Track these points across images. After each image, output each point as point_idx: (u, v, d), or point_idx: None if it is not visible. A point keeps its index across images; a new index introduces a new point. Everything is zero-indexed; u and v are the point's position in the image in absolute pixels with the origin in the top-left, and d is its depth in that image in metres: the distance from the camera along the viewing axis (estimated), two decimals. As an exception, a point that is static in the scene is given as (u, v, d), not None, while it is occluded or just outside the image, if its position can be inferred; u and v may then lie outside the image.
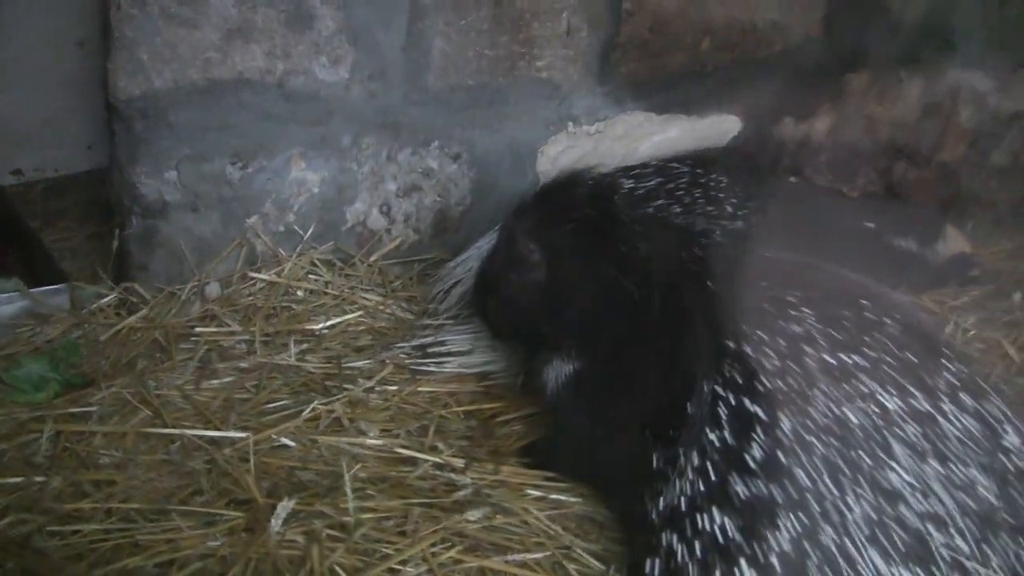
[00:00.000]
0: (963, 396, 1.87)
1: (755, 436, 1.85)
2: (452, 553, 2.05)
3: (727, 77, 3.39)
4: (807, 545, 1.75)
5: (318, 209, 2.94)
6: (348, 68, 2.84)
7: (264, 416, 2.44)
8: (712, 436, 1.89)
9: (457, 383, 2.65)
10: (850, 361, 1.89)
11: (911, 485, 1.77)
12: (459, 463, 2.33)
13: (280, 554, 2.00)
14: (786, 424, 1.83)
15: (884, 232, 3.17)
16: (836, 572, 1.72)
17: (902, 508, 1.76)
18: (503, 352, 2.65)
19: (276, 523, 2.05)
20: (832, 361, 1.89)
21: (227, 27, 2.68)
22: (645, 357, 2.08)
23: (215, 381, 2.56)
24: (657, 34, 3.22)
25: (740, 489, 1.83)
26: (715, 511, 1.84)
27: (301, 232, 2.93)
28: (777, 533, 1.77)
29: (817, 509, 1.77)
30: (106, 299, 2.77)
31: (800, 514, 1.77)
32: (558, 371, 2.26)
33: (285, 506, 2.08)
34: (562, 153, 3.20)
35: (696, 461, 1.89)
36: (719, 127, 3.44)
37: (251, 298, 2.82)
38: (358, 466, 2.28)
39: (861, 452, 1.80)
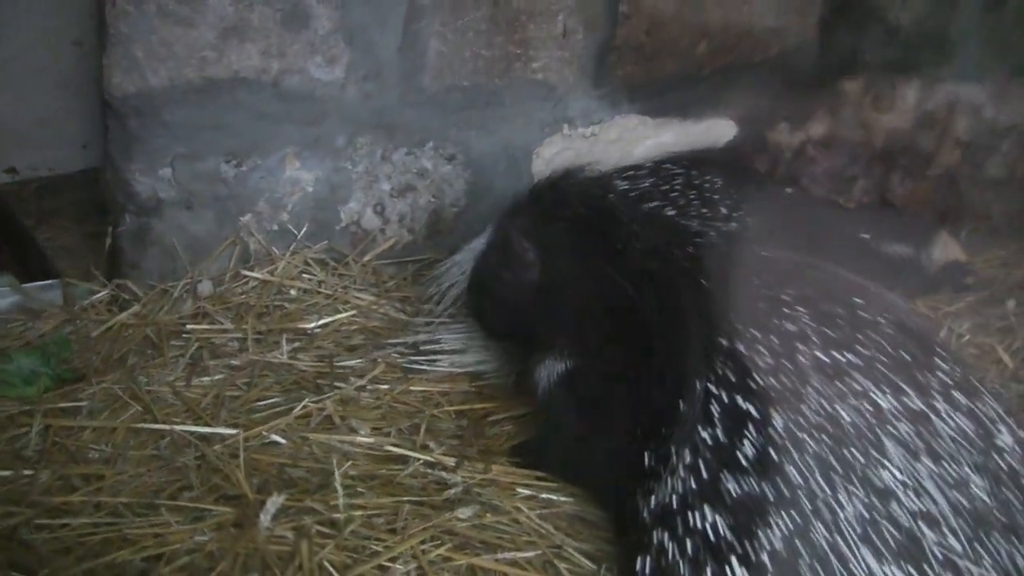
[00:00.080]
0: (956, 395, 1.86)
1: (747, 434, 1.84)
2: (442, 551, 2.04)
3: (723, 81, 3.39)
4: (799, 543, 1.74)
5: (312, 208, 2.94)
6: (344, 68, 2.84)
7: (255, 413, 2.43)
8: (704, 434, 1.88)
9: (449, 382, 2.64)
10: (843, 359, 1.88)
11: (904, 483, 1.76)
12: (450, 462, 2.32)
13: (269, 549, 1.99)
14: (778, 422, 1.83)
15: (879, 240, 3.17)
16: (828, 570, 1.71)
17: (895, 506, 1.74)
18: (496, 352, 2.65)
19: (265, 519, 2.03)
20: (825, 359, 1.88)
21: (223, 26, 2.68)
22: (638, 355, 2.06)
23: (206, 378, 2.55)
24: (653, 37, 3.22)
25: (732, 487, 1.82)
26: (707, 509, 1.83)
27: (295, 231, 2.93)
28: (769, 531, 1.76)
29: (809, 507, 1.76)
30: (98, 296, 2.77)
31: (792, 512, 1.76)
32: (550, 370, 2.26)
33: (275, 502, 2.06)
34: (557, 155, 3.19)
35: (688, 459, 1.88)
36: (714, 131, 3.43)
37: (244, 296, 2.82)
38: (348, 463, 2.27)
39: (854, 450, 1.79)
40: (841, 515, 1.74)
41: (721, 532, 1.80)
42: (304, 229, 2.94)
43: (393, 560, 2.01)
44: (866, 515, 1.74)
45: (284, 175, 2.87)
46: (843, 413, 1.82)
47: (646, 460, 1.97)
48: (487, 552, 2.07)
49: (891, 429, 1.81)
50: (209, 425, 2.36)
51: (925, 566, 1.70)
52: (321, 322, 2.78)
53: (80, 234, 3.25)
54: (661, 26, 3.22)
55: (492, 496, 2.23)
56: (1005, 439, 1.85)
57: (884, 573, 1.69)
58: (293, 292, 2.86)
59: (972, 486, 1.78)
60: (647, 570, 1.88)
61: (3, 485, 2.13)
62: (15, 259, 3.08)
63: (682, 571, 1.82)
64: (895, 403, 1.83)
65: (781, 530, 1.75)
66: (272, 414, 2.43)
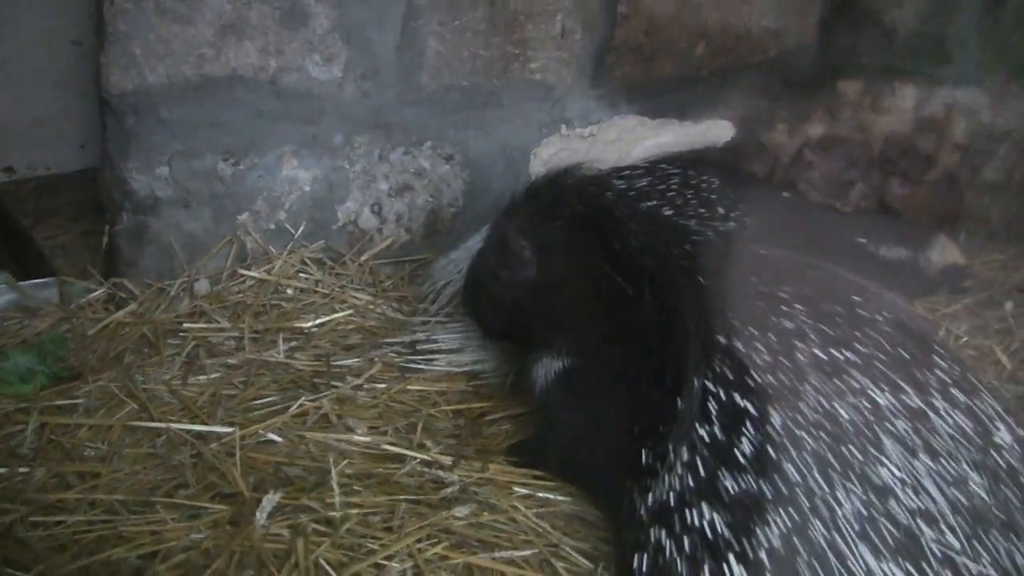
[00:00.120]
0: (955, 392, 1.86)
1: (745, 431, 1.83)
2: (438, 549, 2.03)
3: (721, 82, 3.39)
4: (797, 541, 1.73)
5: (309, 207, 2.93)
6: (341, 66, 2.84)
7: (251, 412, 2.43)
8: (702, 431, 1.87)
9: (446, 382, 2.63)
10: (841, 357, 1.87)
11: (902, 481, 1.75)
12: (447, 461, 2.31)
13: (265, 547, 1.98)
14: (776, 419, 1.81)
15: (876, 245, 3.17)
16: (826, 568, 1.70)
17: (893, 504, 1.73)
18: (493, 352, 2.64)
19: (261, 516, 2.03)
20: (823, 357, 1.88)
21: (221, 23, 2.68)
22: (636, 352, 2.06)
23: (202, 377, 2.54)
24: (652, 38, 3.22)
25: (729, 485, 1.81)
26: (704, 507, 1.81)
27: (292, 230, 2.93)
28: (766, 529, 1.75)
29: (807, 505, 1.74)
30: (95, 294, 2.77)
31: (790, 510, 1.75)
32: (548, 368, 2.25)
33: (271, 499, 2.06)
34: (555, 156, 3.19)
35: (686, 456, 1.87)
36: (712, 132, 3.43)
37: (240, 295, 2.81)
38: (345, 462, 2.26)
39: (852, 447, 1.78)
40: (839, 513, 1.73)
41: (719, 530, 1.79)
42: (301, 228, 2.93)
43: (389, 558, 2.00)
44: (864, 512, 1.73)
45: (281, 174, 2.87)
46: (841, 410, 1.81)
47: (644, 458, 1.96)
48: (484, 551, 2.06)
49: (889, 426, 1.80)
50: (205, 423, 2.35)
51: (923, 564, 1.69)
52: (318, 321, 2.77)
53: (77, 233, 3.26)
54: (660, 27, 3.22)
55: (489, 495, 2.22)
56: (1004, 436, 1.84)
57: (882, 570, 1.68)
58: (290, 291, 2.85)
59: (970, 484, 1.77)
60: (644, 568, 1.86)
61: (-2, 482, 2.13)
62: (12, 258, 3.08)
63: (679, 569, 1.81)
64: (893, 400, 1.83)
65: (779, 528, 1.74)
66: (268, 413, 2.42)
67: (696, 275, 2.05)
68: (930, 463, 1.77)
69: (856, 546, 1.71)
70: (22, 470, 2.17)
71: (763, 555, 1.74)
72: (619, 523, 2.04)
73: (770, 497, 1.77)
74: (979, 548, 1.72)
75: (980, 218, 3.62)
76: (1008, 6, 3.46)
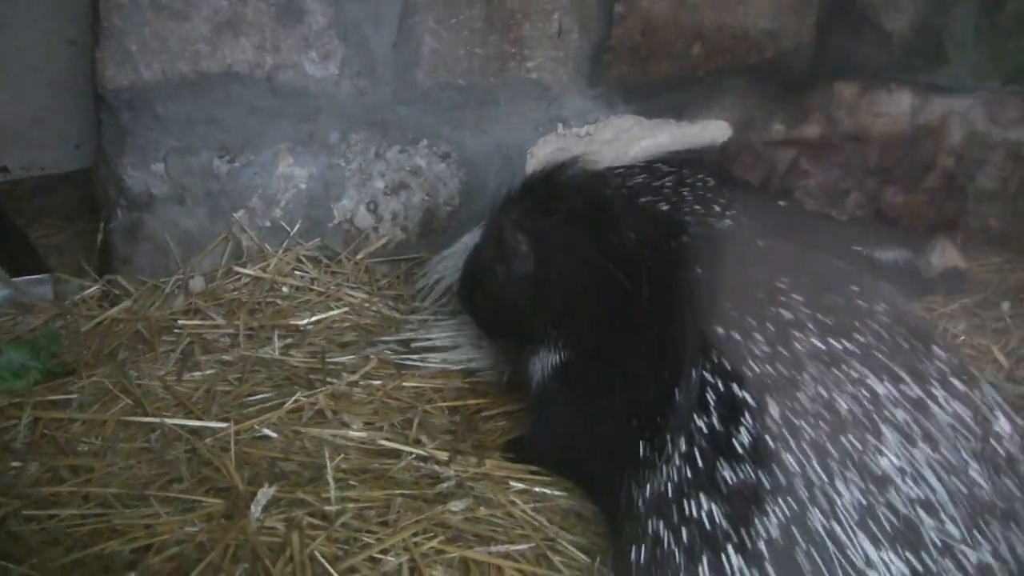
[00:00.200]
0: (954, 382, 1.84)
1: (743, 422, 1.82)
2: (434, 543, 2.02)
3: (718, 82, 3.39)
4: (796, 531, 1.71)
5: (305, 205, 2.93)
6: (338, 64, 2.84)
7: (246, 407, 2.42)
8: (700, 422, 1.86)
9: (442, 379, 2.62)
10: (840, 347, 1.86)
11: (901, 470, 1.73)
12: (442, 456, 2.30)
13: (259, 540, 1.97)
14: (774, 409, 1.80)
15: (873, 248, 3.17)
16: (825, 557, 1.68)
17: (892, 493, 1.72)
18: (489, 348, 2.63)
19: (256, 510, 2.02)
20: (821, 346, 1.86)
21: (217, 19, 2.68)
22: (634, 344, 2.05)
23: (197, 373, 2.53)
24: (648, 38, 3.22)
25: (728, 475, 1.80)
26: (702, 497, 1.80)
27: (287, 228, 2.92)
28: (765, 519, 1.73)
29: (806, 495, 1.73)
30: (89, 291, 2.76)
31: (789, 500, 1.73)
32: (545, 362, 2.24)
33: (265, 493, 2.05)
34: (551, 155, 3.18)
35: (683, 447, 1.86)
36: (709, 133, 3.43)
37: (236, 292, 2.81)
38: (340, 457, 2.25)
39: (851, 437, 1.76)
40: (838, 502, 1.71)
41: (717, 520, 1.77)
42: (297, 226, 2.93)
43: (385, 552, 1.99)
44: (863, 502, 1.71)
45: (277, 171, 2.86)
46: (840, 400, 1.80)
47: (641, 449, 1.95)
48: (480, 545, 2.05)
49: (888, 416, 1.78)
50: (200, 419, 2.34)
51: (923, 552, 1.67)
52: (313, 319, 2.76)
53: (72, 233, 3.24)
54: (656, 27, 3.22)
55: (485, 490, 2.21)
56: (1003, 426, 1.83)
57: (882, 559, 1.67)
58: (285, 289, 2.85)
59: (970, 473, 1.75)
60: (643, 560, 1.85)
61: (-10, 476, 2.12)
62: (7, 256, 3.06)
63: (678, 560, 1.79)
64: (892, 390, 1.81)
65: (778, 518, 1.72)
66: (264, 408, 2.41)
67: (693, 267, 2.05)
68: (929, 452, 1.76)
69: (855, 535, 1.69)
70: (15, 464, 2.16)
71: (762, 545, 1.72)
72: (617, 516, 2.02)
73: (769, 487, 1.75)
74: (978, 537, 1.70)
75: (977, 226, 3.62)
76: (1006, 8, 3.47)
